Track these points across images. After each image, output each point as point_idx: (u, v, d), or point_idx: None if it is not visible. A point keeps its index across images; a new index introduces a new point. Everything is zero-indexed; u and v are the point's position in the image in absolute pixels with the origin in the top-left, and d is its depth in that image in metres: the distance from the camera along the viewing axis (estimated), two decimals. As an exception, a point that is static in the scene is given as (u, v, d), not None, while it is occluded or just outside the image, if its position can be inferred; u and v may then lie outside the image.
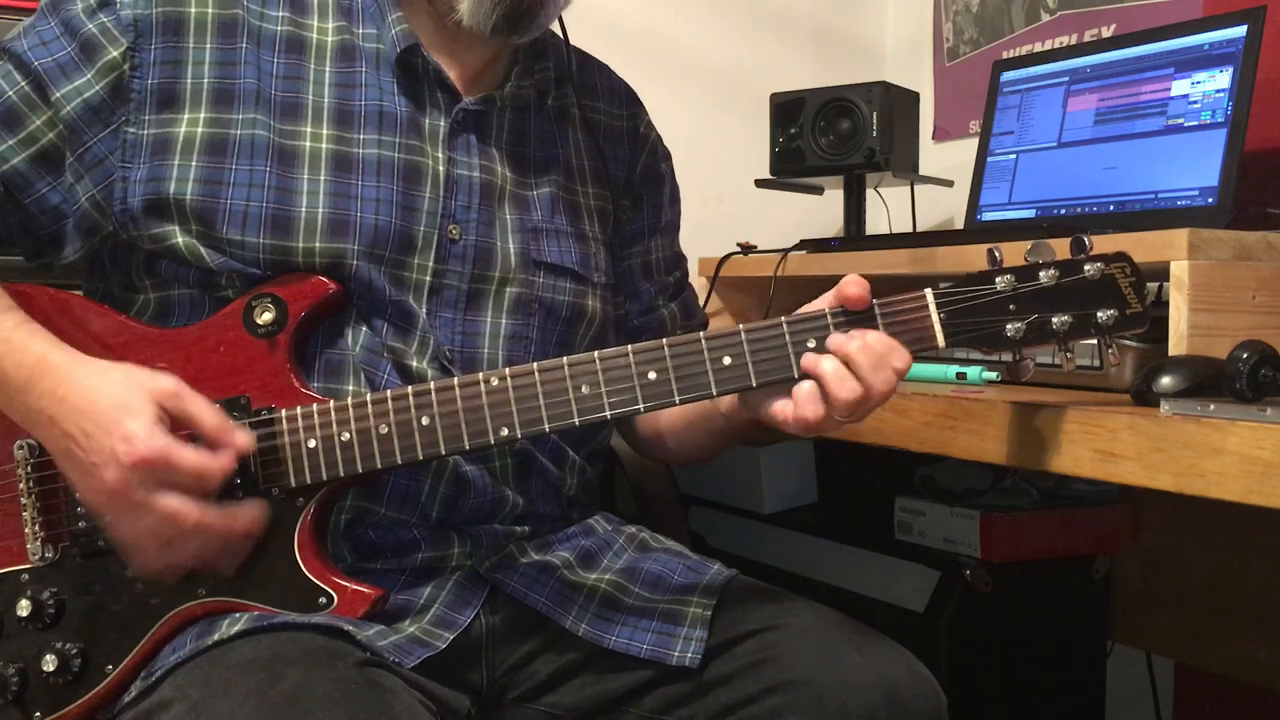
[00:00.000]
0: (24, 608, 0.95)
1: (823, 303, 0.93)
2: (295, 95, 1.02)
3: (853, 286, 0.90)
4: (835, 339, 0.90)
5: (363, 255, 1.00)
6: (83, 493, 0.91)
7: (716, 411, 1.07)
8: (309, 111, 1.02)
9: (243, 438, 0.90)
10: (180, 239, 0.98)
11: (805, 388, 0.89)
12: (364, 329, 1.01)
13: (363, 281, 1.00)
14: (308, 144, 1.01)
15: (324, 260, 0.99)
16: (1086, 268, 0.89)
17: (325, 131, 1.02)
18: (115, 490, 0.86)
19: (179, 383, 0.90)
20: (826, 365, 0.88)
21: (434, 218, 1.04)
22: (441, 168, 1.05)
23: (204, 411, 0.89)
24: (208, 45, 1.01)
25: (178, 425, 0.89)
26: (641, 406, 0.92)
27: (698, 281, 1.70)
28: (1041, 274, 0.90)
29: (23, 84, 1.00)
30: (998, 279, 0.90)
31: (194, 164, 0.98)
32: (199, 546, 0.90)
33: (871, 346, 0.88)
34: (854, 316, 0.91)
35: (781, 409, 0.92)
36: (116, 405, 0.87)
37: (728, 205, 2.14)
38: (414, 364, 1.01)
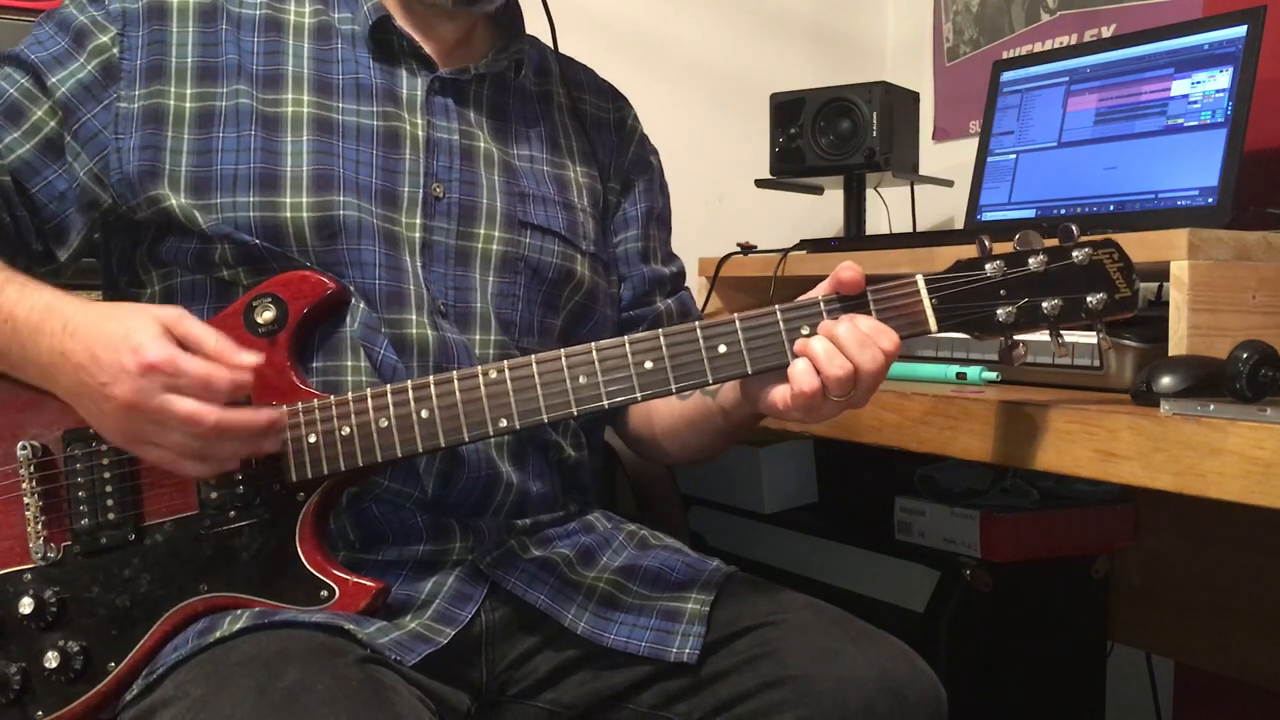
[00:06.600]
0: (26, 606, 0.95)
1: (818, 291, 0.95)
2: (276, 68, 1.07)
3: (846, 271, 0.92)
4: (824, 323, 0.92)
5: (350, 205, 1.03)
6: (100, 422, 0.92)
7: (717, 409, 1.08)
8: (289, 80, 1.07)
9: (247, 355, 0.91)
10: (174, 201, 1.01)
11: (799, 365, 0.91)
12: (361, 305, 1.02)
13: (352, 230, 1.02)
14: (289, 109, 1.05)
15: (313, 214, 1.01)
16: (1074, 254, 0.91)
17: (306, 98, 1.06)
18: (129, 403, 0.88)
19: (181, 309, 0.93)
20: (816, 345, 0.91)
21: (417, 177, 1.07)
22: (421, 132, 1.09)
23: (206, 333, 0.91)
24: (190, 29, 1.06)
25: (183, 347, 0.90)
26: (639, 395, 0.93)
27: (698, 281, 1.70)
28: (1030, 260, 0.92)
29: (22, 80, 1.04)
30: (987, 265, 0.92)
31: (186, 136, 1.03)
32: (233, 449, 0.91)
33: (858, 326, 0.91)
34: (848, 303, 0.93)
35: (780, 395, 0.93)
36: (123, 326, 0.90)
37: (728, 205, 2.14)
38: (413, 331, 1.02)
